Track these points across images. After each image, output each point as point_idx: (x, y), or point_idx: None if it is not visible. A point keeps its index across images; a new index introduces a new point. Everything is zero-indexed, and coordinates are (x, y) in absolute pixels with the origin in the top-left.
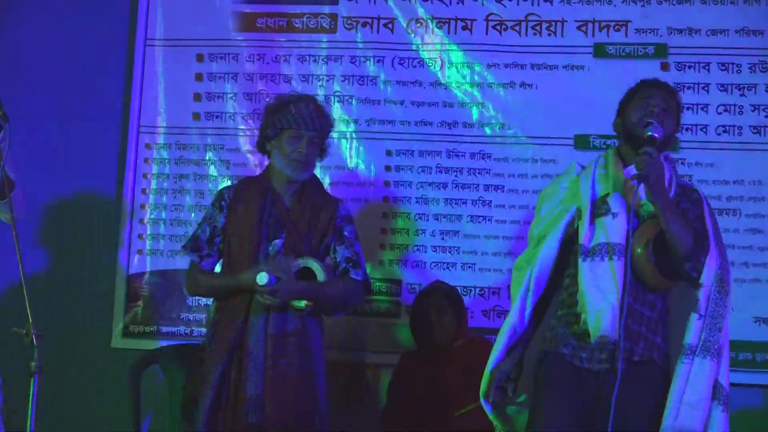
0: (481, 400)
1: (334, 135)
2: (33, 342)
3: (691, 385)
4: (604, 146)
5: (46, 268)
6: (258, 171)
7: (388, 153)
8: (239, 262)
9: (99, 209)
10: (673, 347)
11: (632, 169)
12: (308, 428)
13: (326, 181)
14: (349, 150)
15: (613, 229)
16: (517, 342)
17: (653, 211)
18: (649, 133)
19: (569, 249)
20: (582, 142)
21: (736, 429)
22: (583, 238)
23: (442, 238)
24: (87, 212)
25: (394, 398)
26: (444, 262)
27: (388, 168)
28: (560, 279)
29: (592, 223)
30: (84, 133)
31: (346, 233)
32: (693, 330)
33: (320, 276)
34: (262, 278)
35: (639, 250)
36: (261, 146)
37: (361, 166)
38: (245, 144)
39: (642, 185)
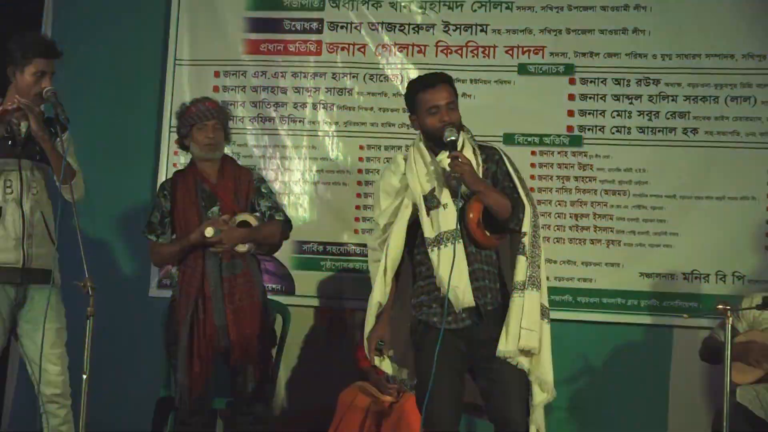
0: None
1: (320, 134)
2: (89, 292)
3: (527, 313)
4: (525, 142)
5: (99, 236)
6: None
7: (361, 148)
8: (185, 232)
9: (141, 191)
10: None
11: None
12: (262, 345)
13: (314, 169)
14: (331, 145)
15: (447, 218)
16: (382, 311)
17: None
18: (450, 139)
19: (414, 232)
20: (509, 139)
21: (624, 361)
22: (426, 231)
23: None
24: (132, 193)
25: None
26: None
27: (361, 159)
28: (411, 256)
29: (428, 215)
30: (128, 132)
31: (263, 190)
32: (521, 269)
33: (254, 223)
34: (209, 231)
35: (473, 226)
36: (181, 145)
37: (340, 158)
38: (251, 140)
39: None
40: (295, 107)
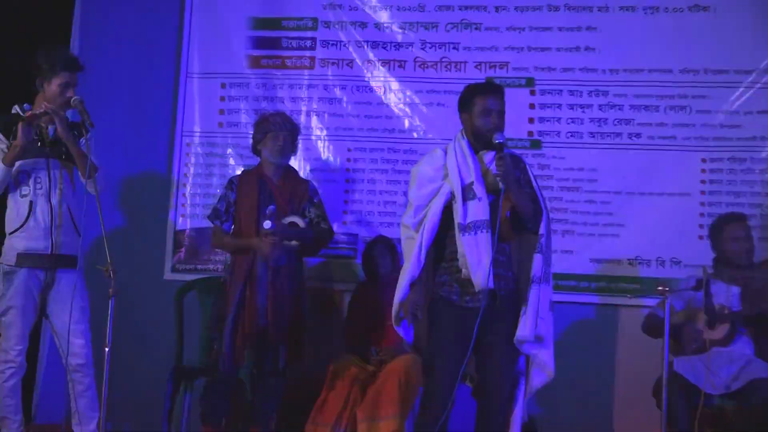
0: (394, 325)
1: (313, 138)
2: (111, 275)
3: (542, 304)
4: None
5: (119, 225)
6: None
7: (349, 150)
8: (246, 223)
9: (156, 187)
10: (521, 276)
11: (487, 156)
12: (296, 327)
13: (308, 168)
14: (323, 148)
15: (480, 209)
16: (415, 281)
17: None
18: (498, 141)
19: (448, 216)
20: None
21: (576, 335)
22: (460, 217)
23: (384, 206)
24: (148, 188)
25: (352, 312)
26: (385, 222)
27: (348, 159)
28: (443, 237)
29: (464, 205)
30: (146, 135)
31: (314, 200)
32: (537, 265)
33: (301, 226)
34: (266, 224)
35: (504, 219)
36: (254, 149)
37: (331, 159)
38: (249, 141)
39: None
40: (291, 114)
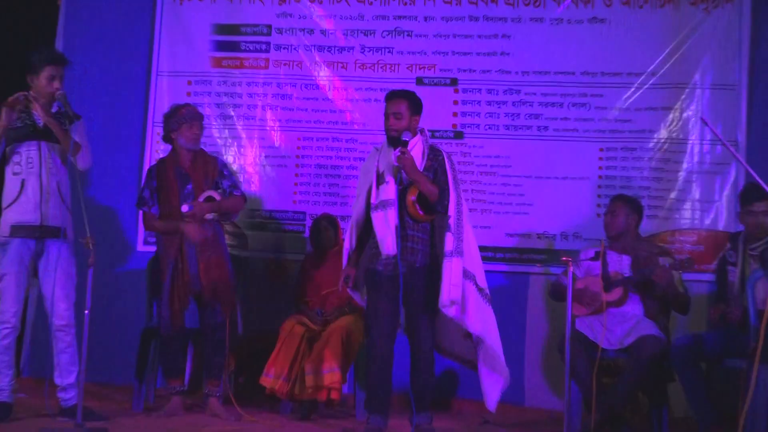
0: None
1: (267, 128)
2: (90, 247)
3: (454, 273)
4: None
5: (99, 205)
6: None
7: (298, 139)
8: (167, 204)
9: (130, 171)
10: (440, 252)
11: (395, 150)
12: (225, 285)
13: (262, 155)
14: (276, 137)
15: (387, 191)
16: (350, 254)
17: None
18: (404, 139)
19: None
20: None
21: (493, 299)
22: (372, 198)
23: (329, 188)
24: (124, 173)
25: (301, 278)
26: (330, 202)
27: (298, 147)
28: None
29: (376, 188)
30: (121, 125)
31: (225, 172)
32: (448, 242)
33: (217, 199)
34: (184, 207)
35: (410, 203)
36: (166, 137)
37: (283, 146)
38: (215, 132)
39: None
40: (248, 108)
